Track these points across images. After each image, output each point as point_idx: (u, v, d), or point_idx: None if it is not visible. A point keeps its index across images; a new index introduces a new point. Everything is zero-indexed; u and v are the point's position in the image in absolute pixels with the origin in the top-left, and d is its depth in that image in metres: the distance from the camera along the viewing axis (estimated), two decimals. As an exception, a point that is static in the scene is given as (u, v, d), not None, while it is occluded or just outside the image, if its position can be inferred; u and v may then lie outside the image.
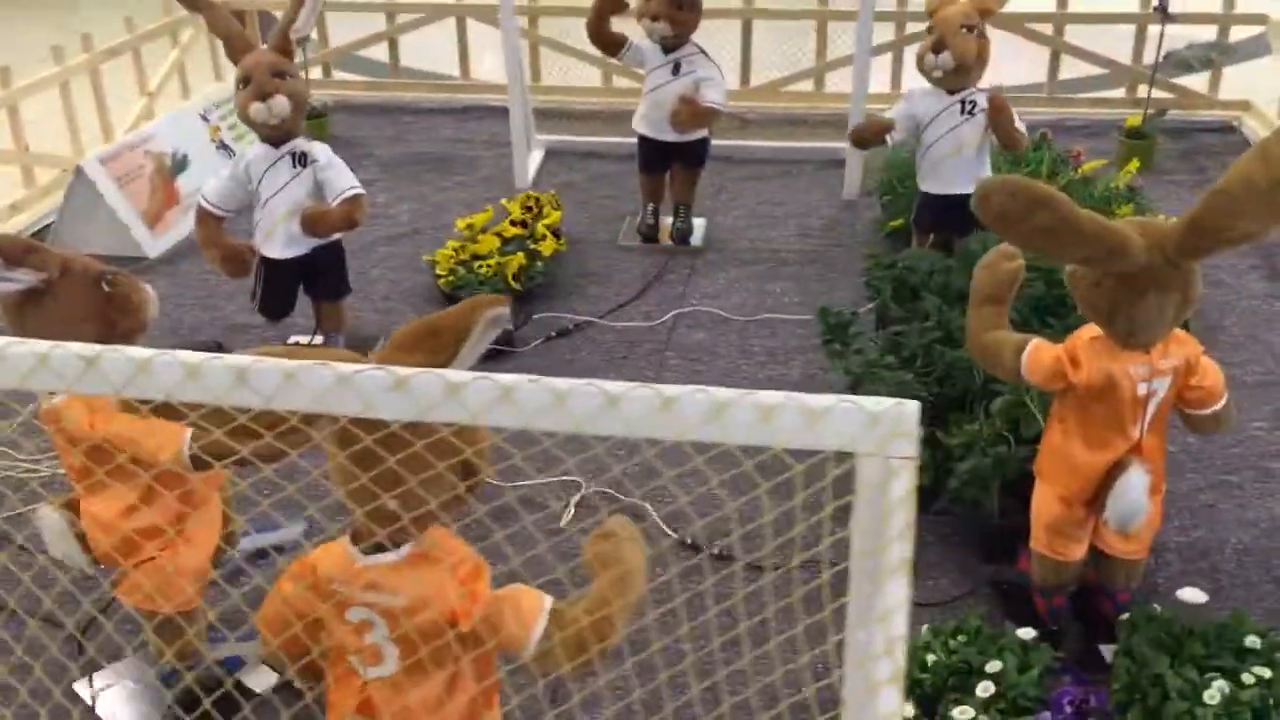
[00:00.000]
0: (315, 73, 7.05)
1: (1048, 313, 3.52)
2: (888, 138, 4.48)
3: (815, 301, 4.33)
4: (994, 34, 5.85)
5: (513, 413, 1.38)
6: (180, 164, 5.56)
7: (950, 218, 4.24)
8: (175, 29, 6.64)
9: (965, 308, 2.82)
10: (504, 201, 5.16)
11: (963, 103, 4.26)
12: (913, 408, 1.32)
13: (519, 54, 5.76)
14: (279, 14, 4.11)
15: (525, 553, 1.96)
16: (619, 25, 4.95)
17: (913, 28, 6.46)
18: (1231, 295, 4.66)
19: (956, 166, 4.29)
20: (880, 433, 1.32)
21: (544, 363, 4.24)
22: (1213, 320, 4.46)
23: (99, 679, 2.78)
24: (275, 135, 3.83)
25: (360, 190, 3.88)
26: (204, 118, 5.87)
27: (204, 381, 1.42)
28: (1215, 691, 2.45)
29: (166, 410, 1.52)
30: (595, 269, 5.01)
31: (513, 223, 4.93)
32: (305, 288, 4.13)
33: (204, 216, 3.96)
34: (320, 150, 3.90)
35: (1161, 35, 5.74)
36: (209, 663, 2.60)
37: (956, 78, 4.20)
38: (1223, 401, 2.71)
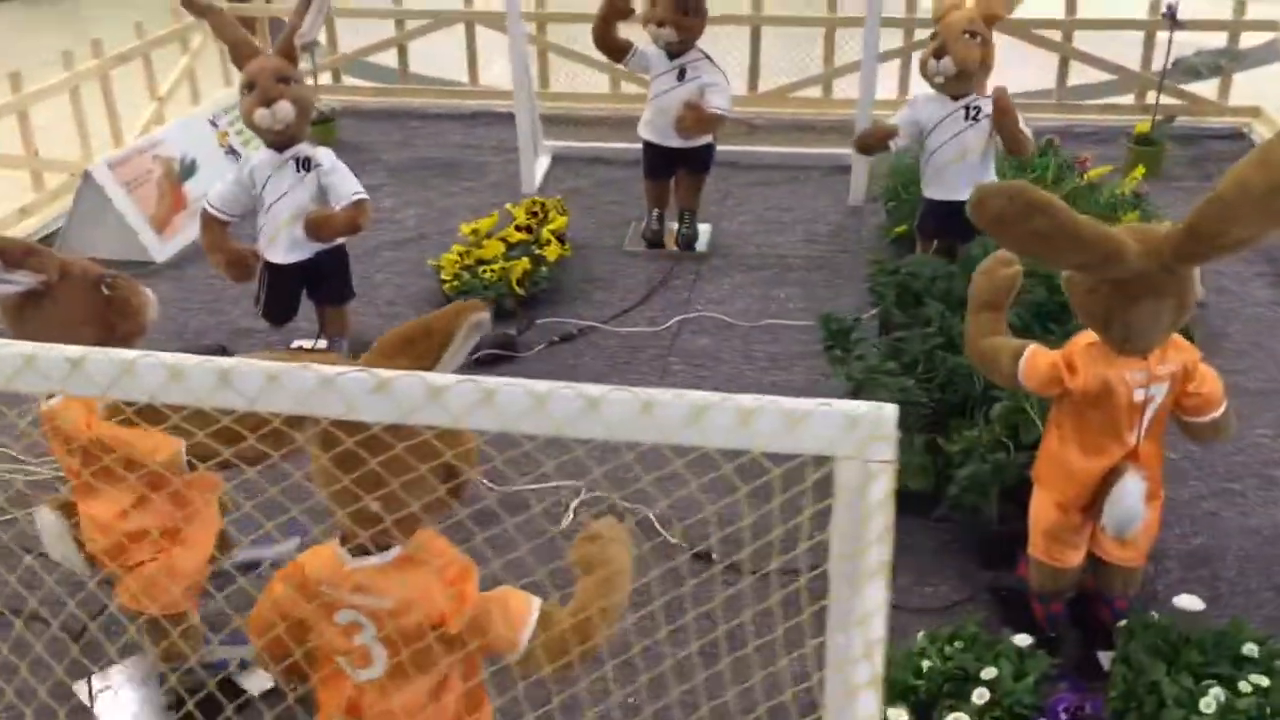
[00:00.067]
0: (324, 78, 7.09)
1: (1049, 319, 3.51)
2: (891, 144, 4.48)
3: (820, 307, 4.33)
4: (1002, 40, 5.86)
5: (493, 416, 1.38)
6: (188, 169, 5.59)
7: (954, 224, 4.21)
8: (185, 35, 6.68)
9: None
10: (509, 207, 5.18)
11: (967, 109, 4.26)
12: (890, 411, 1.32)
13: (526, 60, 5.77)
14: (289, 20, 4.13)
15: (514, 556, 1.96)
16: (625, 31, 4.96)
17: (921, 34, 6.46)
18: (1236, 302, 4.65)
19: (960, 172, 4.28)
20: (858, 436, 1.32)
21: (547, 368, 4.25)
22: (1217, 327, 4.44)
23: (97, 681, 2.79)
24: (279, 140, 3.85)
25: (364, 195, 3.89)
26: (213, 123, 5.90)
27: (187, 383, 1.43)
28: (1211, 699, 2.44)
29: (150, 414, 1.53)
30: (600, 274, 5.02)
31: (518, 228, 4.95)
32: (309, 292, 4.15)
33: (209, 221, 3.98)
34: (324, 155, 3.92)
35: (1170, 42, 5.73)
36: (192, 664, 2.60)
37: (958, 83, 4.19)
38: (1222, 409, 2.69)
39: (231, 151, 5.85)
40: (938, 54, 4.16)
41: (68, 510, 2.57)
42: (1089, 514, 2.70)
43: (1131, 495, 2.58)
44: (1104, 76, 6.70)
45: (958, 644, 2.68)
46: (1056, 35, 6.53)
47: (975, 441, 3.19)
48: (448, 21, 7.03)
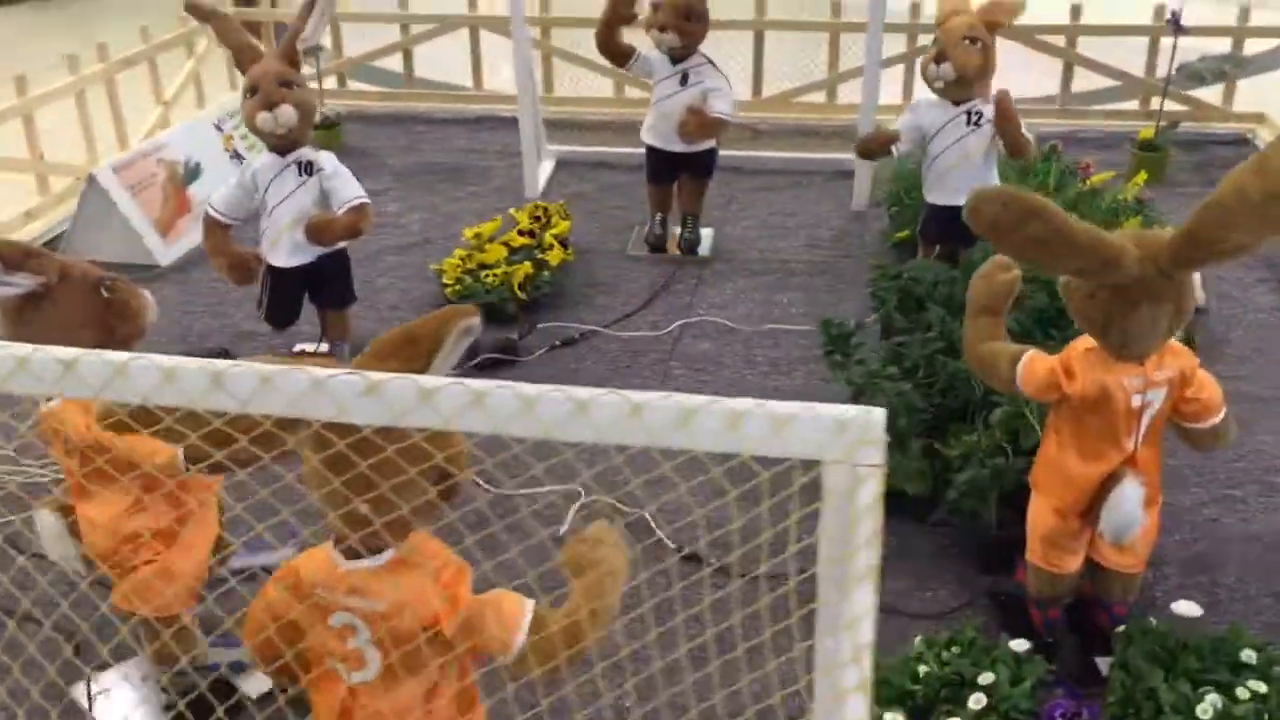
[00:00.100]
0: (330, 82, 7.11)
1: (1050, 324, 3.52)
2: (893, 149, 4.49)
3: (822, 312, 4.33)
4: (1006, 45, 5.87)
5: (484, 418, 1.39)
6: (193, 173, 5.60)
7: (956, 229, 4.15)
8: (191, 39, 6.71)
9: (968, 319, 2.81)
10: (513, 211, 5.18)
11: (968, 114, 4.26)
12: (879, 415, 1.33)
13: (530, 65, 5.78)
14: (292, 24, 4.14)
15: (505, 558, 1.97)
16: (628, 36, 4.97)
17: (924, 39, 6.46)
18: (1239, 309, 4.64)
19: (962, 178, 4.27)
20: (847, 440, 1.32)
21: (548, 372, 4.25)
22: (1220, 333, 4.44)
23: (96, 682, 2.80)
24: (282, 144, 3.87)
25: (365, 199, 3.90)
26: (218, 127, 5.91)
27: (180, 385, 1.43)
28: (1208, 705, 2.44)
29: (144, 417, 1.54)
30: (603, 278, 5.02)
31: (520, 232, 4.96)
32: (311, 296, 4.16)
33: (211, 224, 4.00)
34: (326, 159, 3.93)
35: (1174, 47, 5.73)
36: (183, 665, 2.61)
37: (958, 89, 4.20)
38: (1221, 415, 2.69)
39: (236, 155, 5.87)
40: (938, 59, 4.17)
41: (66, 512, 2.58)
42: (1087, 519, 2.69)
43: (1129, 501, 2.57)
44: (1109, 82, 6.69)
45: (955, 649, 2.68)
46: (1061, 41, 6.53)
47: (974, 446, 3.18)
48: (453, 26, 7.05)
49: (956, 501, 3.16)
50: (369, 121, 6.99)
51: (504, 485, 3.39)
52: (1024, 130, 4.21)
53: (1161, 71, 6.12)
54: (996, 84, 4.32)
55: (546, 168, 6.13)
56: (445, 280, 4.72)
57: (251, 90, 3.81)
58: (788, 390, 4.14)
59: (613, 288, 4.95)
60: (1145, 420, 2.60)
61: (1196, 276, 4.34)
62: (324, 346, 4.24)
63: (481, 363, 4.18)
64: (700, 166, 5.09)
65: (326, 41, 7.01)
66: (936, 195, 4.42)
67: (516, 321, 4.58)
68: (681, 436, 1.36)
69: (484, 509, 1.92)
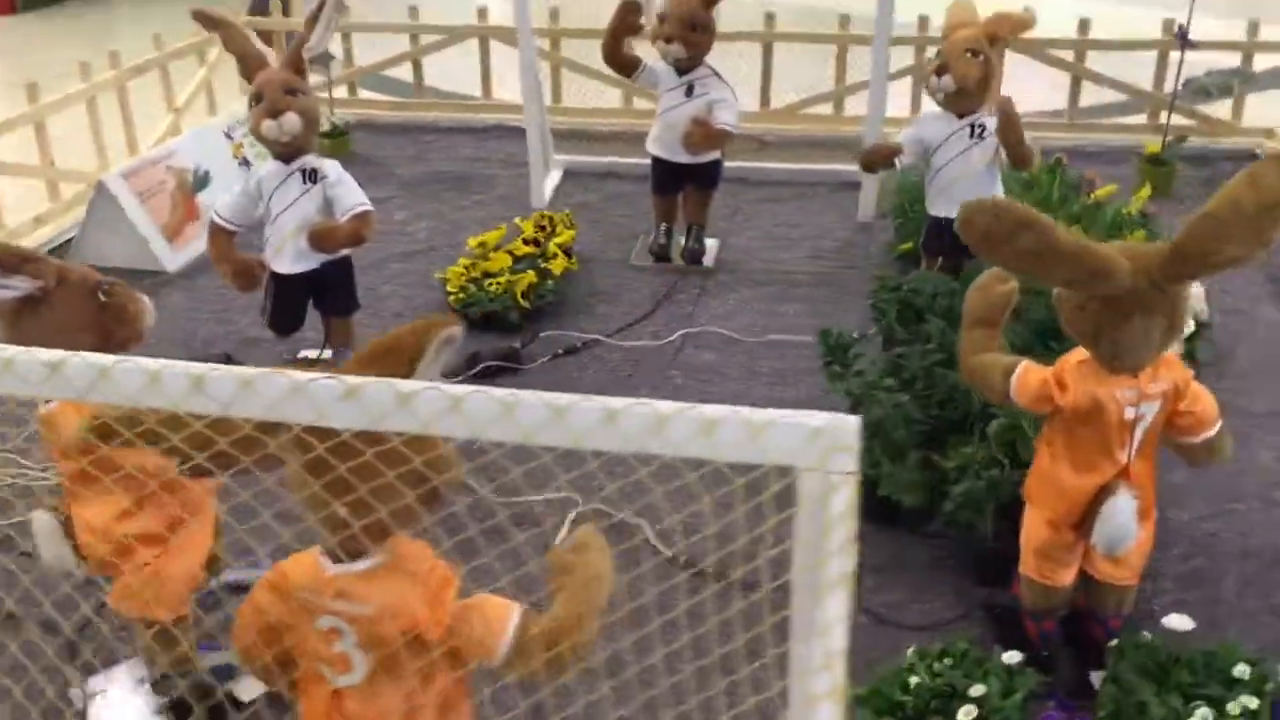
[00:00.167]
0: (340, 91, 7.14)
1: (1050, 337, 3.51)
2: (896, 161, 4.49)
3: (825, 323, 4.31)
4: (1015, 59, 5.88)
5: (461, 422, 1.40)
6: (202, 180, 5.64)
7: (958, 241, 4.19)
8: (203, 48, 6.74)
9: (968, 330, 2.81)
10: (518, 220, 5.20)
11: (971, 126, 4.27)
12: (852, 423, 1.33)
13: (537, 75, 5.81)
14: (298, 33, 4.17)
15: (480, 564, 1.98)
16: (636, 47, 4.99)
17: (933, 52, 6.46)
18: (1245, 324, 4.63)
19: (965, 190, 4.24)
20: (820, 447, 1.33)
21: (549, 380, 4.27)
22: (1225, 348, 4.43)
23: (90, 684, 2.81)
24: (286, 152, 3.89)
25: (368, 207, 3.92)
26: (227, 135, 5.95)
27: (163, 387, 1.45)
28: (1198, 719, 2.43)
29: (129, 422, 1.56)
30: (606, 288, 5.04)
31: (525, 241, 4.98)
32: (314, 303, 4.18)
33: (216, 231, 4.02)
34: (330, 167, 3.95)
35: (1181, 62, 5.72)
36: (164, 669, 2.63)
37: (960, 101, 4.20)
38: (1215, 429, 2.68)
39: (245, 163, 5.90)
40: (939, 71, 4.18)
41: (62, 513, 2.59)
42: (1081, 532, 2.69)
43: (1123, 513, 2.57)
44: (1117, 96, 6.69)
45: (947, 660, 2.68)
46: (1069, 55, 6.52)
47: (971, 458, 3.18)
48: (462, 37, 7.08)
49: (953, 513, 3.16)
50: (378, 130, 7.02)
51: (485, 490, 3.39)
52: (1027, 141, 4.21)
53: (1169, 86, 6.11)
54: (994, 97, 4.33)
55: (554, 177, 6.15)
56: (449, 288, 4.75)
57: (256, 98, 3.84)
58: (789, 401, 4.15)
59: (616, 297, 4.96)
60: (1138, 433, 2.60)
61: (1202, 291, 4.37)
62: (327, 353, 4.26)
63: (483, 371, 4.20)
64: (705, 177, 5.10)
65: (338, 51, 7.05)
66: (939, 208, 4.42)
67: (519, 330, 4.60)
68: (656, 442, 1.37)
69: (461, 513, 1.92)
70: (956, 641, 2.75)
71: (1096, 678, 2.81)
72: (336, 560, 1.89)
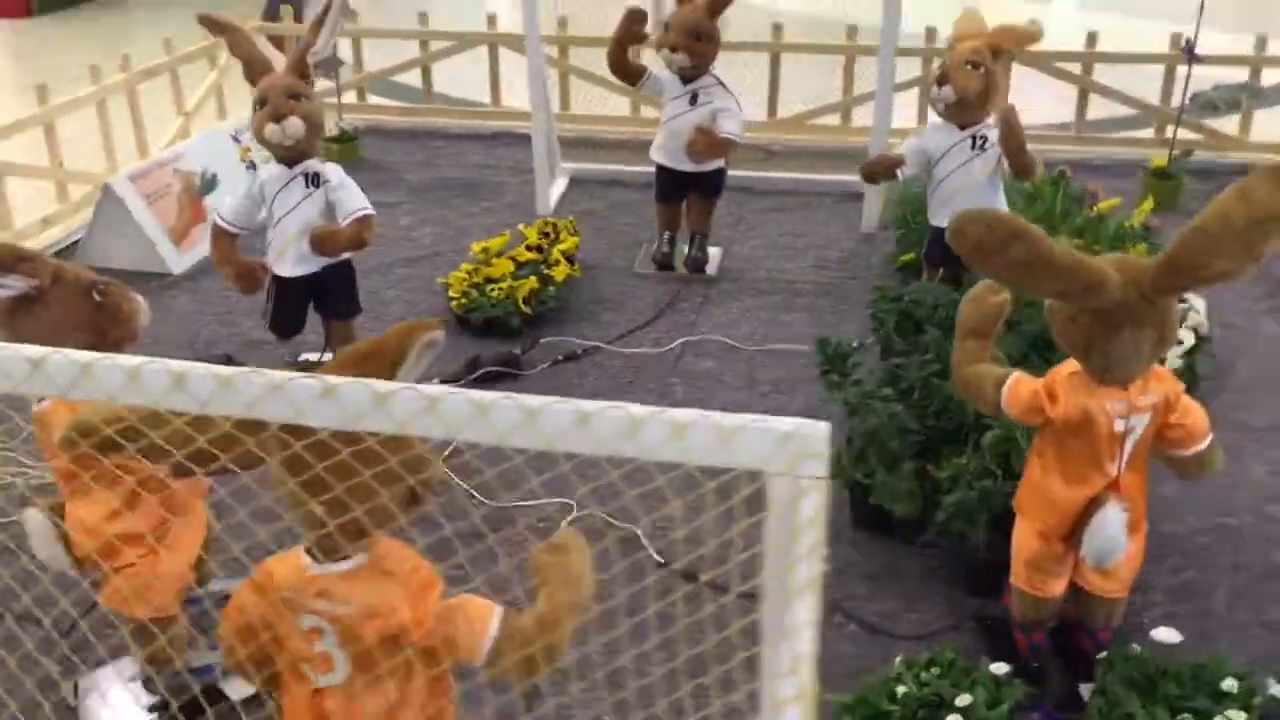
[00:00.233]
0: (349, 96, 7.18)
1: (1043, 348, 3.51)
2: (898, 172, 4.50)
3: (826, 333, 4.33)
4: (1022, 72, 5.87)
5: (437, 423, 1.42)
6: (209, 183, 5.68)
7: (959, 253, 4.22)
8: (214, 52, 6.78)
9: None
10: (522, 227, 5.23)
11: (973, 138, 4.27)
12: (822, 429, 1.34)
13: (544, 82, 5.83)
14: (303, 37, 4.19)
15: (453, 562, 1.99)
16: (643, 56, 5.01)
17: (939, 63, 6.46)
18: (1245, 338, 4.62)
19: (967, 201, 4.26)
20: (790, 452, 1.34)
21: (549, 386, 4.28)
22: (1225, 362, 4.42)
23: (80, 682, 2.83)
24: (289, 156, 3.91)
25: (370, 211, 3.94)
26: (235, 138, 5.99)
27: (143, 385, 1.46)
28: (1184, 732, 2.43)
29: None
30: (609, 295, 5.05)
31: (528, 247, 4.99)
32: (315, 306, 4.20)
33: (219, 233, 4.04)
34: (333, 171, 3.97)
35: (1188, 76, 5.72)
36: (140, 669, 2.64)
37: (960, 112, 4.21)
38: (1205, 443, 2.68)
39: (252, 166, 5.93)
40: (940, 81, 4.19)
41: (57, 511, 2.61)
42: (1070, 543, 2.69)
43: (1112, 525, 2.57)
44: (1124, 110, 6.68)
45: (934, 670, 2.68)
46: (1076, 68, 6.53)
47: (963, 469, 3.19)
48: (471, 43, 7.12)
49: (945, 523, 3.16)
50: (387, 136, 7.05)
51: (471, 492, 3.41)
52: (1028, 150, 4.21)
53: (1177, 100, 6.10)
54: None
55: (560, 184, 6.17)
56: (451, 294, 4.76)
57: (261, 102, 3.87)
58: (788, 410, 4.14)
59: (618, 304, 4.98)
60: (1129, 445, 2.60)
61: (1202, 305, 4.36)
62: (328, 356, 4.28)
63: (483, 376, 4.21)
64: (709, 186, 5.12)
65: (348, 56, 7.10)
66: (941, 219, 4.42)
67: (520, 335, 4.61)
68: (629, 446, 1.38)
69: (433, 512, 1.93)
70: (944, 651, 2.75)
71: (1086, 690, 2.81)
72: (319, 560, 1.90)
